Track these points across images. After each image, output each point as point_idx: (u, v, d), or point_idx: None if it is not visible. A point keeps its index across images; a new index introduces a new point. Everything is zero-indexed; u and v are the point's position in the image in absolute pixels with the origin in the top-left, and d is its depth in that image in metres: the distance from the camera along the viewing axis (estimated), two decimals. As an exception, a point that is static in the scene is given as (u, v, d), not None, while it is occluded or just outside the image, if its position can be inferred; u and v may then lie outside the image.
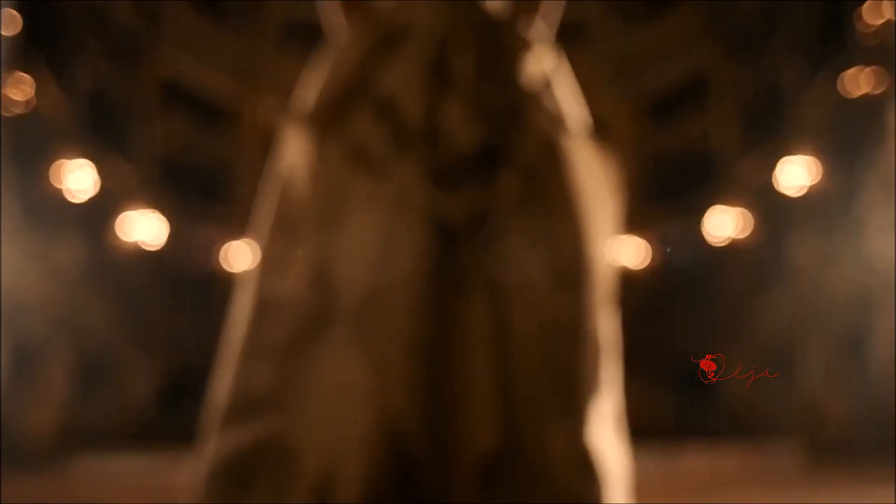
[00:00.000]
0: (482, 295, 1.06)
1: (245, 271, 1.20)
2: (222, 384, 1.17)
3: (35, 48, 11.18)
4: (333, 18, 1.34)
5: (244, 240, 17.15)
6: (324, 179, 1.12)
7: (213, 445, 1.12)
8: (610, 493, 1.08)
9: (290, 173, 1.15)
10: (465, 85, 1.17)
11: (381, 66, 1.19)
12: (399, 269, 1.04)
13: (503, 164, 1.13)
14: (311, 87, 1.25)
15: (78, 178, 12.69)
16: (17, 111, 10.26)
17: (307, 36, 18.86)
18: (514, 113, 1.18)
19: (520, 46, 1.28)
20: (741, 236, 15.25)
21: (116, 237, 14.80)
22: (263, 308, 1.12)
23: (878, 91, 10.12)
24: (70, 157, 12.71)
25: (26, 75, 10.85)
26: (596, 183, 1.19)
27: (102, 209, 13.94)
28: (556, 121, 1.22)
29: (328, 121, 1.16)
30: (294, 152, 1.16)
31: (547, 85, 1.26)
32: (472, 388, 1.03)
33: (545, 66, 1.28)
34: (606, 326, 1.15)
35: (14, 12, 9.96)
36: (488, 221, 1.09)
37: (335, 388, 1.04)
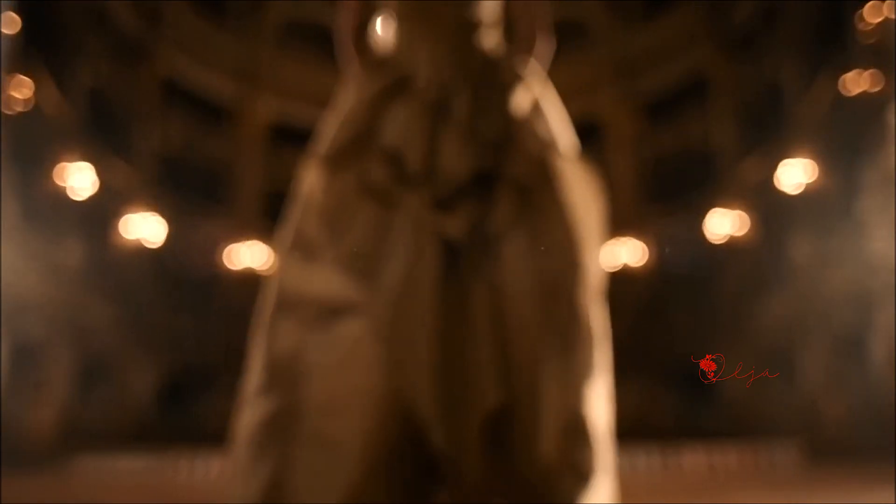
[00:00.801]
0: (482, 293, 1.28)
1: (268, 273, 1.47)
2: (251, 368, 1.38)
3: (34, 49, 11.18)
4: (350, 64, 1.60)
5: (244, 240, 17.19)
6: (337, 206, 1.35)
7: (243, 418, 1.33)
8: (599, 457, 1.28)
9: (308, 200, 1.40)
10: (463, 118, 1.39)
11: (387, 113, 1.42)
12: (415, 279, 1.26)
13: (498, 184, 1.35)
14: (328, 131, 1.47)
15: (78, 178, 12.69)
16: (18, 110, 10.25)
17: (307, 36, 18.98)
18: (508, 139, 1.40)
19: (513, 80, 1.49)
20: (741, 236, 15.25)
21: (116, 237, 14.80)
22: (285, 302, 1.35)
23: (878, 91, 10.11)
24: (70, 158, 12.71)
25: (27, 75, 10.84)
26: (583, 197, 1.39)
27: (102, 209, 13.94)
28: (546, 144, 1.42)
29: (342, 161, 1.39)
30: (312, 185, 1.40)
31: (538, 112, 1.47)
32: (475, 363, 1.25)
33: (536, 96, 1.49)
34: (598, 318, 1.36)
35: (14, 15, 9.94)
36: (486, 234, 1.31)
37: (348, 362, 1.25)
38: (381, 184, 1.34)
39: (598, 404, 1.30)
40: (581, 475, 1.25)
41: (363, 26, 1.60)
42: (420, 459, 1.22)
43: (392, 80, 1.46)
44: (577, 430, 1.26)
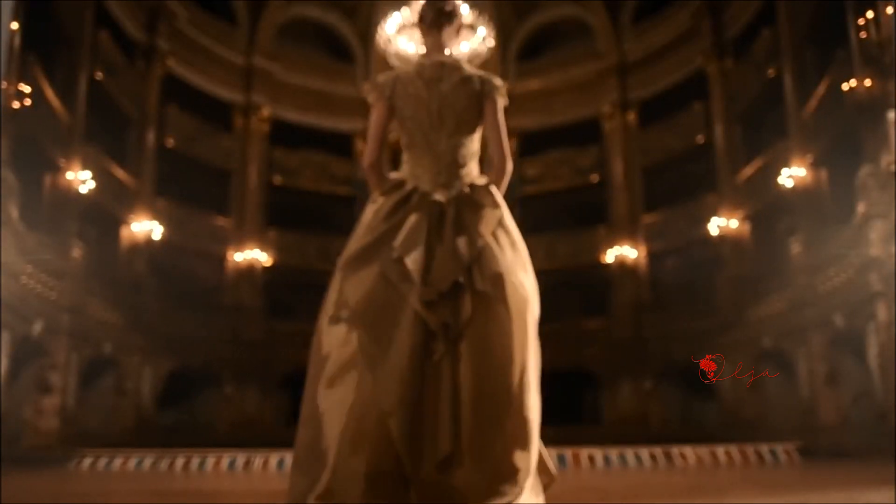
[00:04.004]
0: (447, 363, 1.96)
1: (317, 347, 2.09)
2: (304, 418, 2.05)
3: (34, 50, 11.18)
4: (372, 188, 2.26)
5: (244, 238, 17.21)
6: (365, 287, 2.04)
7: (298, 446, 2.04)
8: (526, 481, 1.96)
9: (341, 289, 2.09)
10: (449, 234, 2.08)
11: (399, 219, 2.10)
12: (403, 347, 1.95)
13: (465, 292, 2.01)
14: (356, 236, 2.15)
15: (78, 179, 12.71)
16: (18, 110, 10.25)
17: (306, 37, 18.93)
18: (477, 259, 2.04)
19: (486, 202, 2.16)
20: (740, 237, 15.26)
21: (117, 237, 14.81)
22: (321, 358, 2.04)
23: (878, 91, 10.12)
24: (70, 158, 12.72)
25: (27, 75, 10.84)
26: (522, 299, 2.04)
27: (102, 209, 13.95)
28: (502, 266, 2.05)
29: (365, 259, 2.07)
30: (341, 278, 2.10)
31: (502, 230, 2.13)
32: (438, 418, 1.91)
33: (502, 216, 2.16)
34: (531, 378, 2.02)
35: (14, 23, 9.93)
36: (453, 327, 1.98)
37: (353, 407, 1.94)
38: (395, 278, 2.01)
39: (528, 441, 1.97)
40: (513, 486, 1.93)
41: (379, 160, 2.28)
42: (399, 471, 1.88)
43: (402, 196, 2.16)
44: (509, 470, 1.93)
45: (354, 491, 1.86)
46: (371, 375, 1.93)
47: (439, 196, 2.15)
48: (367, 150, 2.31)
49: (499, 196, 2.21)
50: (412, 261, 2.01)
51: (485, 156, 2.30)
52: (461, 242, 2.07)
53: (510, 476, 1.93)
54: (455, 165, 2.22)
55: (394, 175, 2.28)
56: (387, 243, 2.07)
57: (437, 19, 2.34)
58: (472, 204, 2.15)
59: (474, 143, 2.28)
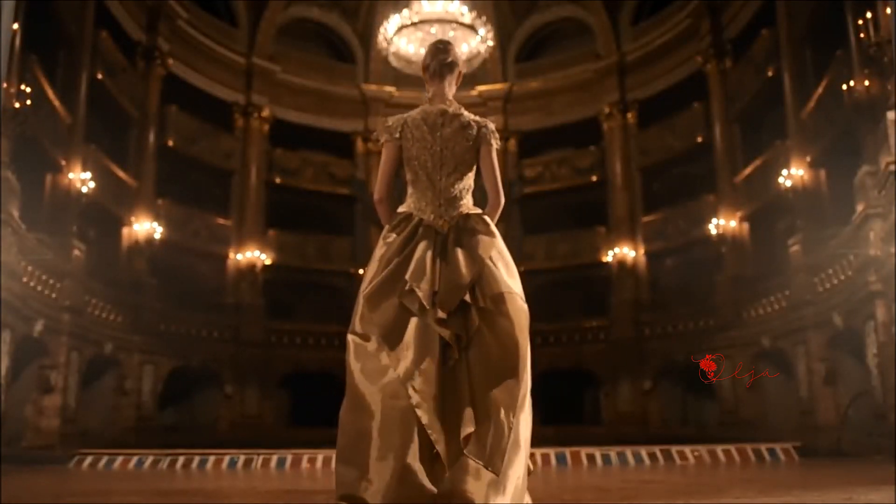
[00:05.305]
0: (461, 366, 2.37)
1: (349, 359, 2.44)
2: (344, 422, 2.40)
3: (35, 50, 11.18)
4: (383, 218, 2.64)
5: (245, 238, 17.20)
6: (389, 313, 2.43)
7: (340, 438, 2.38)
8: (521, 450, 2.38)
9: (364, 314, 2.45)
10: (453, 259, 2.46)
11: (409, 250, 2.48)
12: (426, 356, 2.34)
13: (470, 309, 2.41)
14: (371, 271, 2.51)
15: (79, 179, 12.71)
16: (18, 110, 10.25)
17: (306, 37, 18.89)
18: (479, 280, 2.43)
19: (482, 230, 2.55)
20: (740, 237, 15.27)
21: (117, 237, 14.81)
22: (363, 370, 2.39)
23: (878, 91, 10.12)
24: (71, 158, 12.72)
25: (27, 75, 10.84)
26: (523, 312, 2.44)
27: (103, 209, 13.95)
28: (500, 284, 2.44)
29: (383, 290, 2.45)
30: (364, 306, 2.46)
31: (497, 255, 2.51)
32: (459, 406, 2.31)
33: (497, 244, 2.54)
34: (527, 374, 2.43)
35: (14, 23, 9.91)
36: (463, 338, 2.39)
37: (389, 402, 2.31)
38: (409, 305, 2.40)
39: (526, 419, 2.41)
40: (516, 451, 2.36)
41: (389, 196, 2.65)
42: (431, 452, 2.25)
43: (410, 230, 2.54)
44: (513, 435, 2.33)
45: (389, 477, 2.21)
46: (402, 385, 2.29)
47: (441, 224, 2.55)
48: (377, 186, 2.69)
49: (492, 225, 2.61)
50: (421, 290, 2.38)
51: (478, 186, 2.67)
52: (463, 263, 2.44)
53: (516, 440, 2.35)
54: (454, 199, 2.60)
55: (401, 209, 2.62)
56: (401, 275, 2.44)
57: (439, 70, 2.69)
58: (469, 230, 2.54)
59: (469, 179, 2.66)
